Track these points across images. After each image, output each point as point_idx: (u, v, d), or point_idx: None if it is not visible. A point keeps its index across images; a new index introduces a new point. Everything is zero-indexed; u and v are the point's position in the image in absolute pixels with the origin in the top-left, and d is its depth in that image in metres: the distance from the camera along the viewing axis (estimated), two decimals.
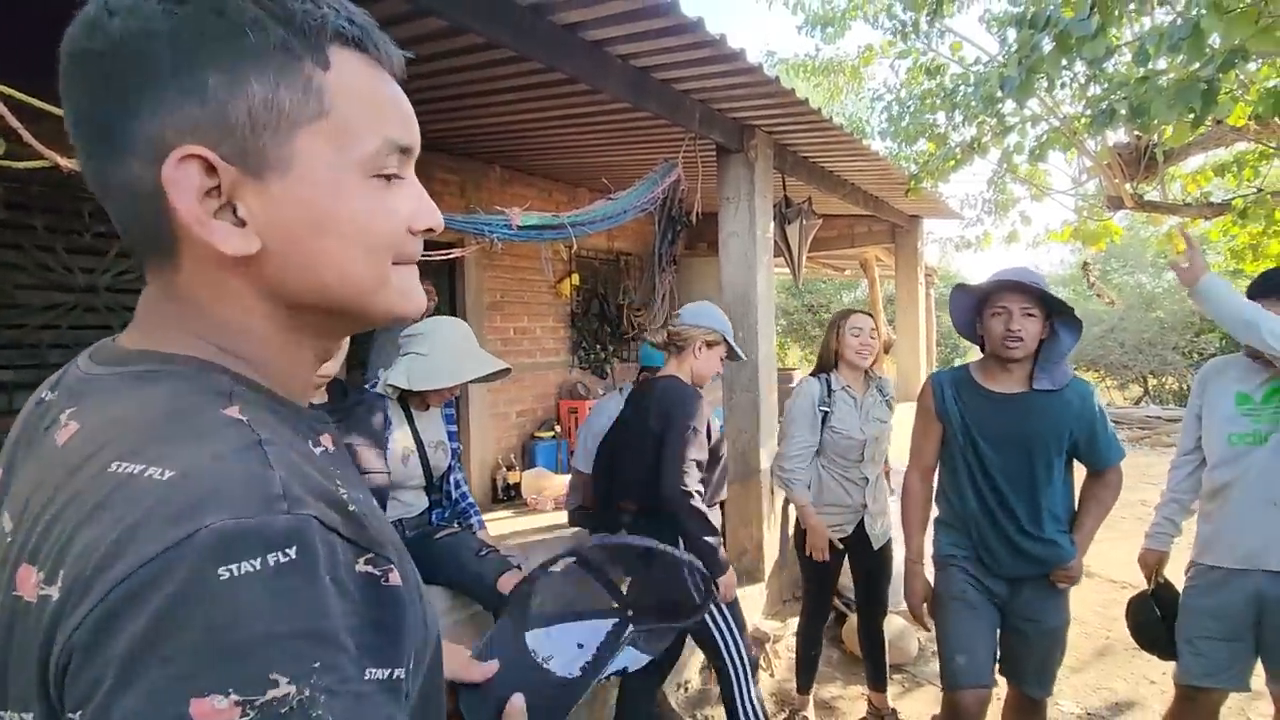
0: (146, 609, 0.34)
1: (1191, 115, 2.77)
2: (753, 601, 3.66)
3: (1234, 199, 4.47)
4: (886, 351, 8.54)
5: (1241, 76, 3.42)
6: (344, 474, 0.48)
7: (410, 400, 2.02)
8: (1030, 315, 1.99)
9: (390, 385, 1.94)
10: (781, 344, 16.08)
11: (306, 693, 0.35)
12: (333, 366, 1.57)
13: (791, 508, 3.26)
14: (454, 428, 2.17)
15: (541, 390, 5.65)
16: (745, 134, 3.63)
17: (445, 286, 4.85)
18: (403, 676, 0.42)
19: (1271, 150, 4.14)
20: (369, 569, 0.42)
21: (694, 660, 3.19)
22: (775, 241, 4.12)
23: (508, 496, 4.96)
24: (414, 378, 1.89)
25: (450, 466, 2.19)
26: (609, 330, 6.27)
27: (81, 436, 0.43)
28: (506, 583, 2.20)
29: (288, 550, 0.37)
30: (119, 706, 0.33)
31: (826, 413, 2.70)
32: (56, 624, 0.36)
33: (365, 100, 0.47)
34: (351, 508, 0.43)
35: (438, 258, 2.56)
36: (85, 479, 0.40)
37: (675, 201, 3.53)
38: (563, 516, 4.06)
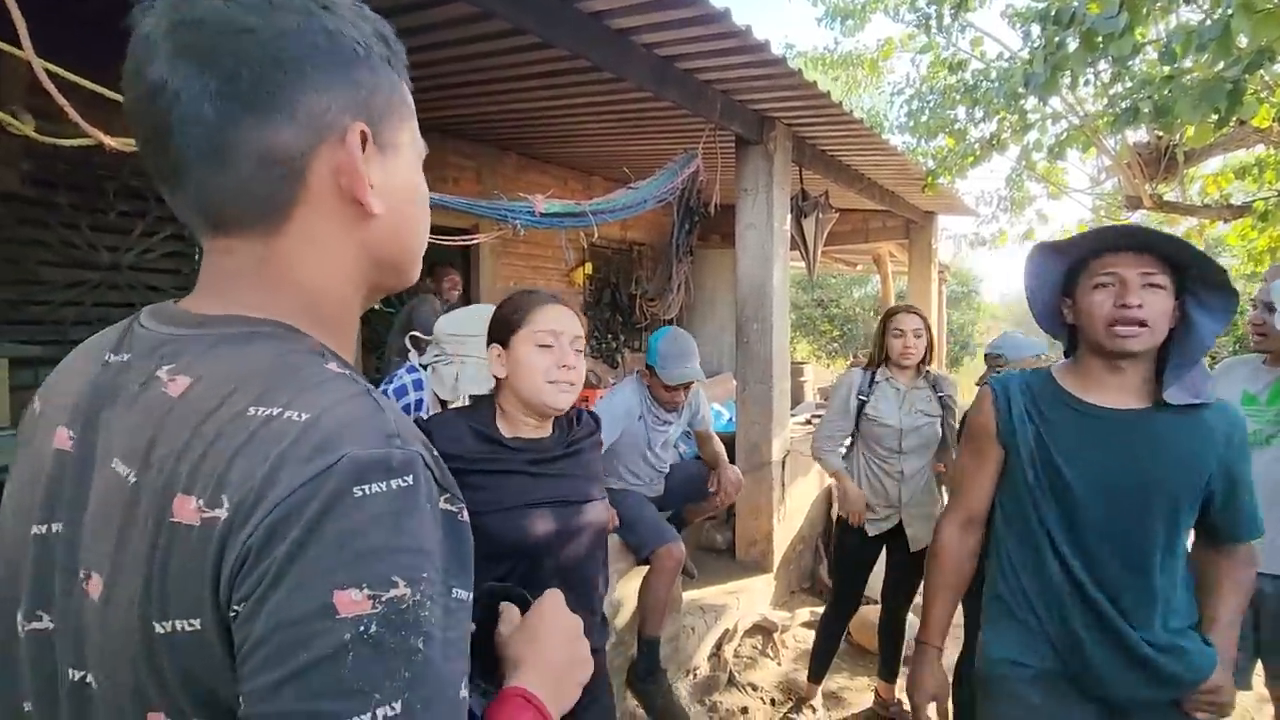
0: (301, 520, 0.41)
1: (1216, 116, 2.76)
2: (761, 592, 3.68)
3: (1255, 201, 4.43)
4: None
5: (1267, 78, 3.39)
6: None
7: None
8: (1156, 287, 1.29)
9: (471, 395, 1.85)
10: (792, 338, 16.05)
11: (417, 596, 0.43)
12: None
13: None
14: None
15: None
16: (765, 126, 3.63)
17: (461, 273, 4.88)
18: (470, 600, 0.49)
19: None
20: (447, 506, 0.48)
21: (703, 647, 3.22)
22: (791, 234, 4.12)
23: None
24: (463, 383, 1.85)
25: None
26: (621, 320, 6.29)
27: (203, 387, 0.48)
28: None
29: (405, 478, 0.44)
30: (273, 598, 0.41)
31: (864, 401, 2.75)
32: (227, 536, 0.42)
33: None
34: (434, 451, 0.50)
35: (458, 243, 2.58)
36: (224, 421, 0.45)
37: (694, 192, 3.53)
38: None
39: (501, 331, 1.32)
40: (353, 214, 0.53)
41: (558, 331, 1.30)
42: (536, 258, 5.37)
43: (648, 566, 2.64)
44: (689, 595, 3.28)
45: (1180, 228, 6.44)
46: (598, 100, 3.58)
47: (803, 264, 4.69)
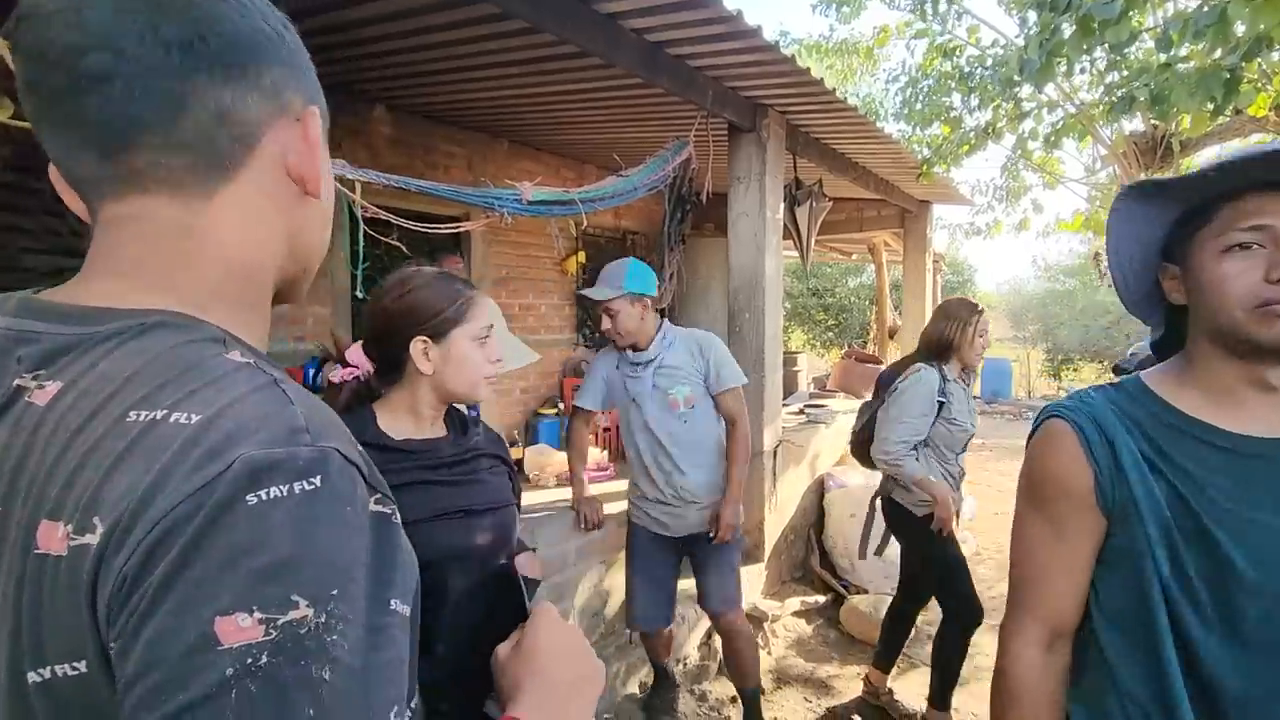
0: (182, 538, 0.36)
1: (1212, 104, 2.74)
2: (752, 582, 3.69)
3: None
4: (892, 337, 8.55)
5: (1264, 66, 3.36)
6: None
7: None
8: None
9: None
10: (786, 328, 16.05)
11: (323, 618, 0.37)
12: None
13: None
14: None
15: (545, 367, 5.66)
16: (758, 113, 3.59)
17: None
18: (408, 613, 0.44)
19: None
20: (379, 507, 0.43)
21: (693, 636, 3.23)
22: (784, 223, 4.09)
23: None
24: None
25: None
26: None
27: (76, 393, 0.42)
28: (522, 562, 2.21)
29: (312, 479, 0.39)
30: (149, 626, 0.35)
31: (943, 403, 2.58)
32: (100, 565, 0.37)
33: None
34: (359, 448, 0.45)
35: (446, 230, 2.54)
36: (99, 432, 0.40)
37: (685, 180, 3.49)
38: (565, 493, 4.08)
39: (436, 324, 1.18)
40: (292, 195, 0.52)
41: (493, 325, 1.23)
42: (528, 246, 5.32)
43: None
44: (680, 585, 3.28)
45: None
46: (588, 88, 3.53)
47: (796, 253, 4.66)
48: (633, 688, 2.94)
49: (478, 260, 4.97)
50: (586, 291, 2.37)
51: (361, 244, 2.16)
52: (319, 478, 0.39)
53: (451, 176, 4.47)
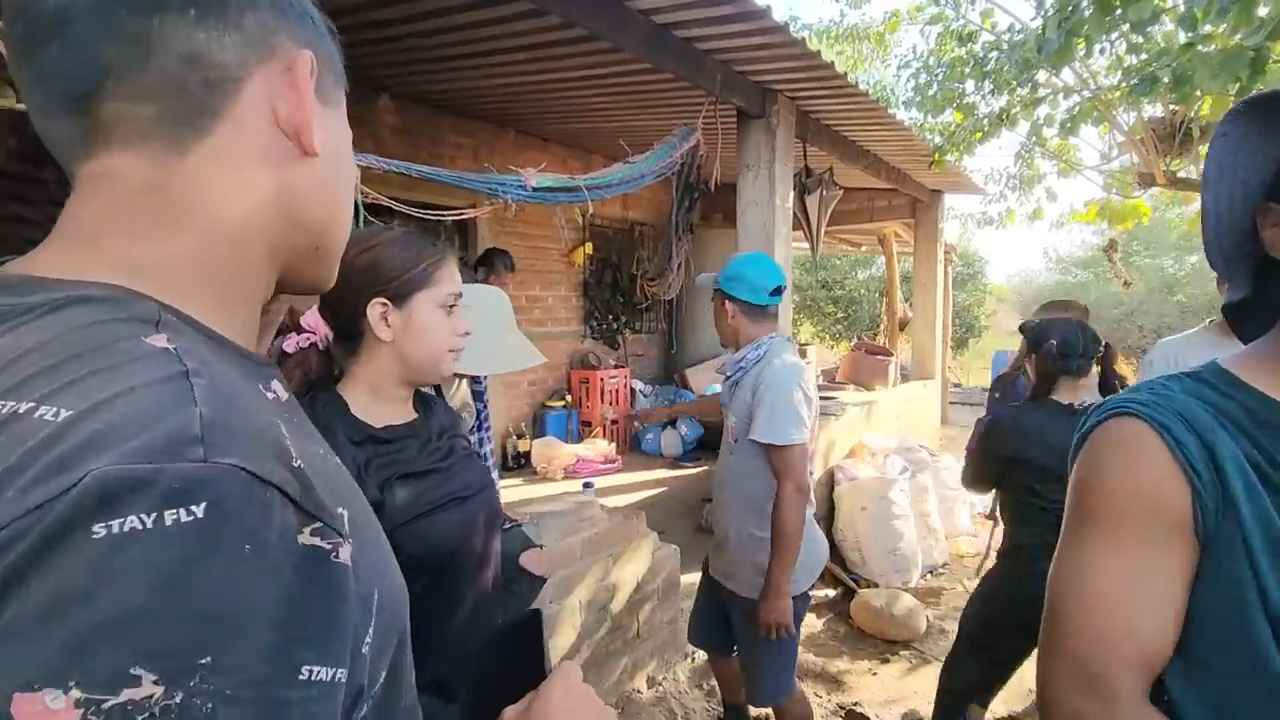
0: None
1: (1237, 85, 2.66)
2: None
3: None
4: (902, 329, 8.46)
5: None
6: (297, 424, 0.44)
7: None
8: None
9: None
10: (795, 320, 15.96)
11: (178, 697, 0.28)
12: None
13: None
14: (482, 386, 2.07)
15: (553, 360, 5.63)
16: (767, 99, 3.52)
17: (458, 251, 4.81)
18: (344, 679, 0.35)
19: None
20: (315, 541, 0.34)
21: None
22: (794, 212, 4.03)
23: (518, 465, 4.96)
24: (480, 364, 1.69)
25: (481, 439, 2.13)
26: (622, 300, 6.22)
27: None
28: (529, 559, 2.16)
29: (193, 507, 0.30)
30: None
31: None
32: None
33: None
34: (299, 463, 0.36)
35: (449, 217, 2.50)
36: None
37: (693, 168, 3.44)
38: (572, 485, 4.05)
39: (398, 286, 1.05)
40: (284, 151, 0.46)
41: (459, 294, 1.10)
42: (536, 237, 5.28)
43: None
44: (687, 578, 3.24)
45: (1191, 207, 6.31)
46: (595, 73, 3.48)
47: (806, 243, 4.60)
48: (640, 682, 2.91)
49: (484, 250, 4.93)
50: (699, 277, 2.15)
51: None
52: (203, 505, 0.30)
53: (458, 167, 4.42)
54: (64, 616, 0.27)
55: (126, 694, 0.27)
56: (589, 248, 5.72)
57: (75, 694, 0.26)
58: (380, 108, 4.10)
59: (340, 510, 0.38)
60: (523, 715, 0.58)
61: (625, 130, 4.58)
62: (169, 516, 0.29)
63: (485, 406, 2.10)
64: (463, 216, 2.49)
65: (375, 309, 1.04)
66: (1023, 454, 2.03)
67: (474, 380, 2.04)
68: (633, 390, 6.02)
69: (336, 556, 0.35)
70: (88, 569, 0.28)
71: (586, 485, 3.81)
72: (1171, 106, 4.27)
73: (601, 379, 5.48)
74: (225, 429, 0.33)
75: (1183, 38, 2.99)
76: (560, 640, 2.53)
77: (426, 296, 1.06)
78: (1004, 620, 2.05)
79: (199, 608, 0.29)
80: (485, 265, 3.96)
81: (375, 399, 1.08)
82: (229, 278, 0.45)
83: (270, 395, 0.44)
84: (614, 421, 5.41)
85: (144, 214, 0.42)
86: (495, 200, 2.42)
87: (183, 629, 0.29)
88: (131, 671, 0.27)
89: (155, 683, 0.27)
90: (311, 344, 1.10)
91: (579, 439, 5.32)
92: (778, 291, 2.06)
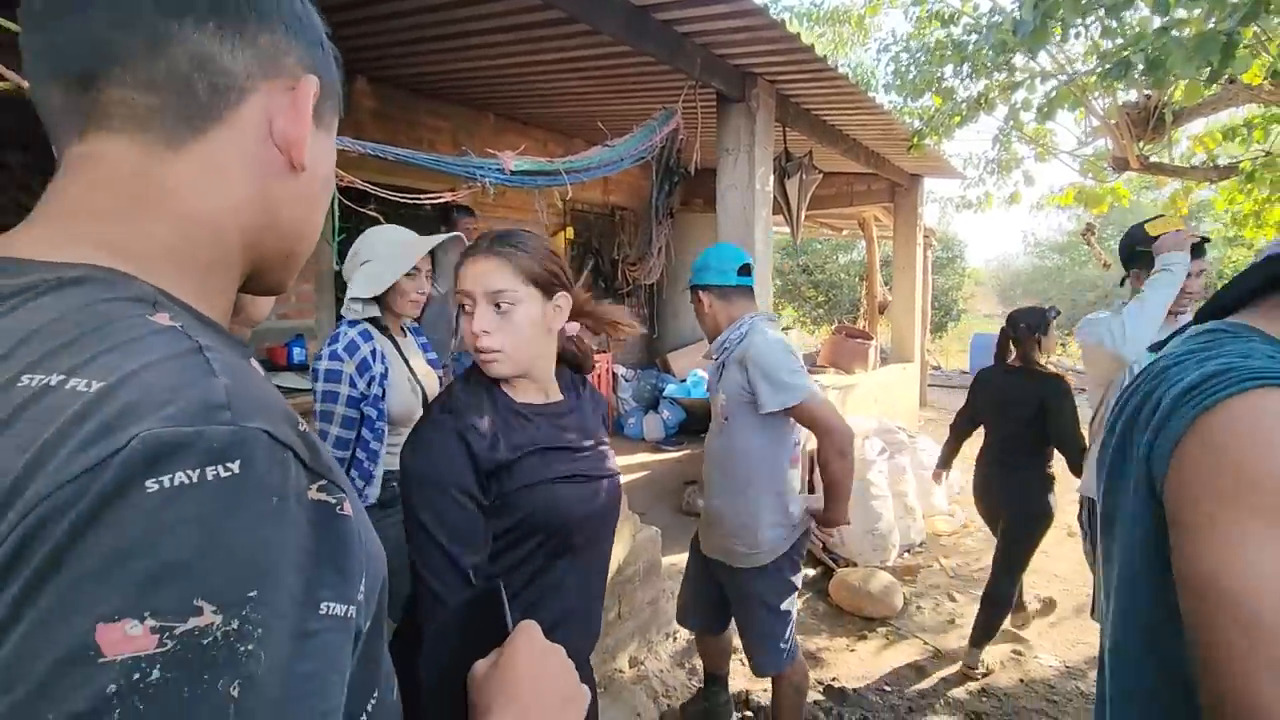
0: (61, 527, 0.30)
1: (1209, 69, 2.70)
2: None
3: (1241, 162, 4.39)
4: (882, 313, 8.54)
5: (1261, 32, 3.31)
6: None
7: (388, 323, 1.92)
8: None
9: (359, 302, 1.82)
10: (777, 305, 16.02)
11: (234, 624, 0.32)
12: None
13: None
14: (434, 356, 2.09)
15: None
16: (747, 82, 3.51)
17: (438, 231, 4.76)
18: (354, 614, 0.39)
19: None
20: (323, 496, 0.38)
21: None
22: (774, 197, 4.03)
23: None
24: (373, 282, 1.79)
25: None
26: (603, 285, 6.21)
27: None
28: None
29: (229, 464, 0.34)
30: (15, 636, 0.30)
31: None
32: None
33: None
34: (303, 428, 0.40)
35: (426, 201, 2.48)
36: None
37: (673, 152, 3.43)
38: None
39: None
40: (273, 163, 0.49)
41: (469, 291, 1.10)
42: (516, 221, 5.24)
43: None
44: (668, 560, 3.27)
45: (1166, 190, 6.41)
46: (574, 56, 3.44)
47: (786, 227, 4.62)
48: (622, 662, 2.94)
49: (464, 235, 4.89)
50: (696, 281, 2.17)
51: (337, 216, 2.10)
52: (237, 462, 0.34)
53: (437, 150, 4.37)
54: (133, 559, 0.31)
55: (193, 621, 0.31)
56: (570, 232, 5.69)
57: (150, 622, 0.30)
58: (358, 91, 4.03)
59: (338, 469, 0.42)
60: (491, 666, 0.61)
61: (604, 114, 4.55)
62: (210, 472, 0.33)
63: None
64: (439, 200, 2.47)
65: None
66: None
67: (423, 347, 2.07)
68: (615, 374, 6.03)
69: (341, 510, 0.39)
70: (146, 519, 0.31)
71: None
72: (1146, 92, 4.32)
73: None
74: (245, 397, 0.37)
75: (1157, 22, 3.02)
76: None
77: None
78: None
79: (242, 551, 0.33)
80: (449, 224, 4.01)
81: (520, 382, 1.19)
82: (205, 269, 0.47)
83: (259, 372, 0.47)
84: None
85: (129, 199, 0.43)
86: (473, 184, 2.40)
87: (232, 569, 0.33)
88: (195, 603, 0.31)
89: (214, 612, 0.32)
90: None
91: None
92: (745, 270, 2.09)
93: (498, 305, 1.09)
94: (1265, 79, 3.60)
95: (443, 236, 1.86)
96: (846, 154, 5.09)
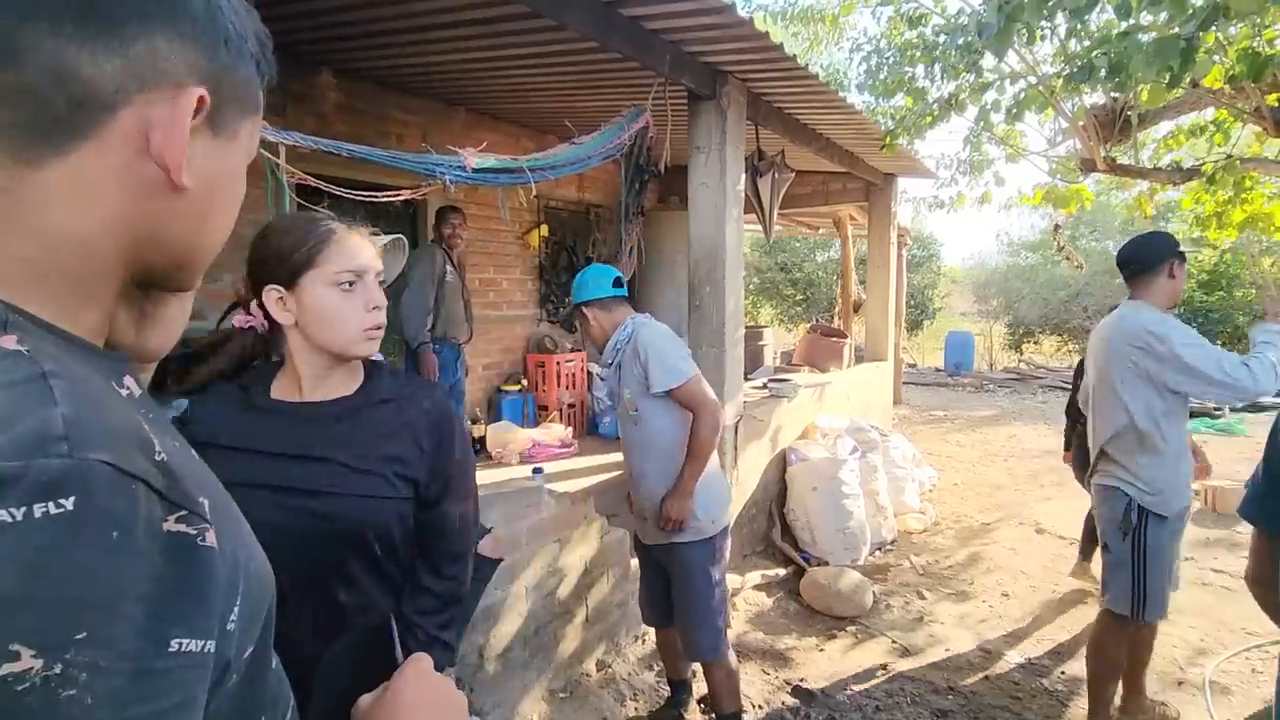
0: None
1: (1169, 74, 2.73)
2: None
3: (1204, 164, 4.47)
4: (856, 311, 8.59)
5: (1221, 37, 3.36)
6: (154, 419, 0.44)
7: None
8: None
9: None
10: (755, 303, 16.07)
11: (57, 669, 0.31)
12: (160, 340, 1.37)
13: None
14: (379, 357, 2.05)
15: (508, 344, 5.56)
16: (718, 80, 3.49)
17: (407, 234, 4.68)
18: (212, 650, 0.38)
19: (1246, 115, 4.12)
20: (181, 528, 0.37)
21: None
22: (747, 195, 4.02)
23: (473, 450, 4.90)
24: None
25: None
26: None
27: None
28: (484, 545, 2.15)
29: (61, 500, 0.32)
30: None
31: None
32: None
33: None
34: (161, 456, 0.38)
35: (383, 199, 2.41)
36: None
37: (643, 150, 3.40)
38: (524, 471, 4.02)
39: (285, 272, 1.06)
40: (150, 179, 0.44)
41: (359, 269, 1.08)
42: (489, 219, 5.17)
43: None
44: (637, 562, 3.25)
45: (1132, 191, 6.51)
46: (539, 51, 3.39)
47: (759, 226, 4.61)
48: (589, 665, 2.92)
49: (431, 234, 4.82)
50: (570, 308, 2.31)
51: (286, 212, 2.04)
52: (72, 499, 0.33)
53: (406, 145, 4.30)
54: None
55: (7, 667, 0.30)
56: (544, 230, 5.64)
57: None
58: (322, 84, 3.94)
59: (202, 499, 0.40)
60: (376, 701, 0.60)
61: (573, 111, 4.50)
62: (38, 509, 0.32)
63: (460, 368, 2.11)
64: (399, 198, 2.41)
65: (270, 297, 1.07)
66: None
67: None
68: (589, 374, 6.00)
69: (203, 541, 0.38)
70: None
71: (536, 471, 3.78)
72: (1113, 95, 4.37)
73: (558, 363, 5.43)
74: (87, 426, 0.35)
75: (1122, 25, 3.05)
76: (506, 626, 2.52)
77: (315, 277, 1.07)
78: None
79: (71, 591, 0.32)
80: (438, 223, 4.13)
81: (293, 377, 1.11)
82: (73, 283, 0.44)
83: (124, 391, 0.44)
84: (571, 405, 5.38)
85: None
86: (433, 181, 2.34)
87: (56, 609, 0.31)
88: (10, 648, 0.30)
89: (34, 656, 0.30)
90: (250, 327, 1.14)
91: (535, 423, 5.28)
92: (618, 283, 2.32)
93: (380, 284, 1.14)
94: (1225, 83, 3.65)
95: (388, 238, 1.81)
96: (820, 153, 5.09)
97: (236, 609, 0.42)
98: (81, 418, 0.35)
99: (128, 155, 0.43)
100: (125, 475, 0.35)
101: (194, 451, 0.49)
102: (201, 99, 0.45)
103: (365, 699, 0.60)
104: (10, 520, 0.31)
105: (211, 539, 0.39)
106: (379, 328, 1.10)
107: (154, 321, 0.94)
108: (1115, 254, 2.58)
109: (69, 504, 0.32)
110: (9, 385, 0.35)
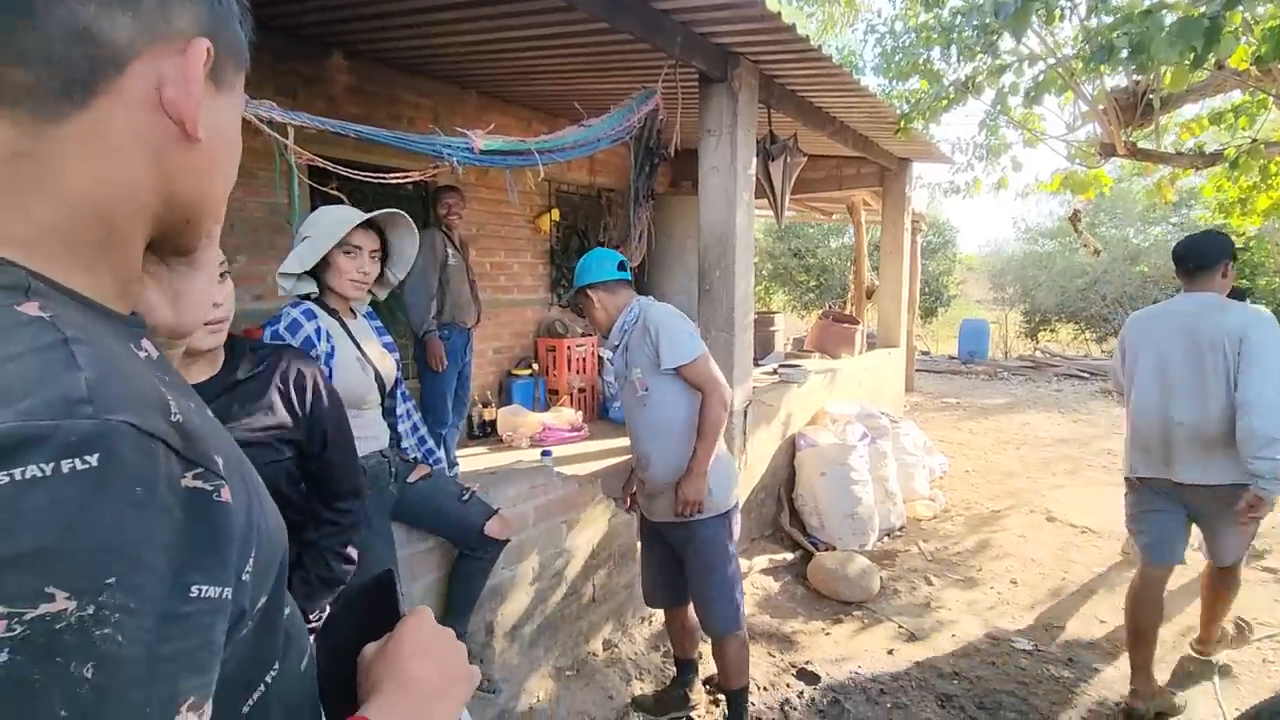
0: None
1: (1193, 54, 2.66)
2: None
3: (1227, 149, 4.37)
4: (869, 297, 8.52)
5: (1247, 16, 3.27)
6: (170, 381, 0.45)
7: (336, 306, 1.89)
8: None
9: (288, 279, 1.81)
10: (767, 288, 15.98)
11: (90, 609, 0.33)
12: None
13: None
14: (389, 338, 2.06)
15: (519, 328, 5.57)
16: (729, 62, 3.46)
17: (418, 217, 4.69)
18: (229, 597, 0.41)
19: (1270, 98, 4.02)
20: (198, 484, 0.39)
21: None
22: (758, 179, 3.99)
23: (483, 433, 4.94)
24: (306, 258, 1.78)
25: (401, 394, 2.11)
26: None
27: None
28: (492, 526, 2.18)
29: (87, 457, 0.34)
30: None
31: None
32: None
33: None
34: (177, 417, 0.41)
35: (393, 179, 2.42)
36: None
37: (653, 133, 3.37)
38: (536, 454, 4.05)
39: None
40: (164, 133, 0.46)
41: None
42: (500, 203, 5.17)
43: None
44: None
45: (1153, 177, 6.38)
46: (550, 33, 3.37)
47: (770, 210, 4.58)
48: (595, 645, 2.95)
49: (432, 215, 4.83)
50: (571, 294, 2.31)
51: (295, 193, 2.05)
52: (97, 455, 0.35)
53: (417, 128, 4.29)
54: None
55: (44, 607, 0.32)
56: (555, 214, 5.63)
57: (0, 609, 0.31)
58: (333, 66, 3.94)
59: (217, 457, 0.42)
60: (379, 650, 0.62)
61: (584, 93, 4.47)
62: (66, 465, 0.34)
63: (402, 380, 2.12)
64: (409, 180, 2.41)
65: None
66: None
67: (378, 330, 2.05)
68: (600, 359, 6.00)
69: (218, 496, 0.40)
70: None
71: (545, 454, 3.81)
72: (1135, 77, 4.27)
73: (568, 347, 5.45)
74: (109, 389, 0.37)
75: (1146, 4, 2.97)
76: (513, 606, 2.55)
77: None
78: None
79: (100, 539, 0.34)
80: (434, 203, 4.08)
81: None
82: (96, 247, 0.45)
83: (142, 354, 0.46)
84: (580, 389, 5.40)
85: (7, 180, 0.41)
86: (440, 163, 2.35)
87: (88, 556, 0.34)
88: (46, 590, 0.32)
89: (68, 599, 0.33)
90: None
91: (546, 407, 5.30)
92: (622, 266, 2.33)
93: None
94: (1251, 65, 3.56)
95: (381, 211, 1.82)
96: (834, 137, 5.03)
97: (251, 560, 0.44)
98: (103, 381, 0.37)
99: (142, 110, 0.44)
100: (145, 435, 0.37)
101: (209, 411, 0.50)
102: (208, 51, 0.46)
103: (370, 648, 0.63)
104: (41, 475, 0.33)
105: (226, 494, 0.41)
106: (218, 322, 1.21)
107: (185, 298, 0.97)
108: (1132, 241, 2.60)
109: (94, 460, 0.34)
110: (34, 351, 0.36)
